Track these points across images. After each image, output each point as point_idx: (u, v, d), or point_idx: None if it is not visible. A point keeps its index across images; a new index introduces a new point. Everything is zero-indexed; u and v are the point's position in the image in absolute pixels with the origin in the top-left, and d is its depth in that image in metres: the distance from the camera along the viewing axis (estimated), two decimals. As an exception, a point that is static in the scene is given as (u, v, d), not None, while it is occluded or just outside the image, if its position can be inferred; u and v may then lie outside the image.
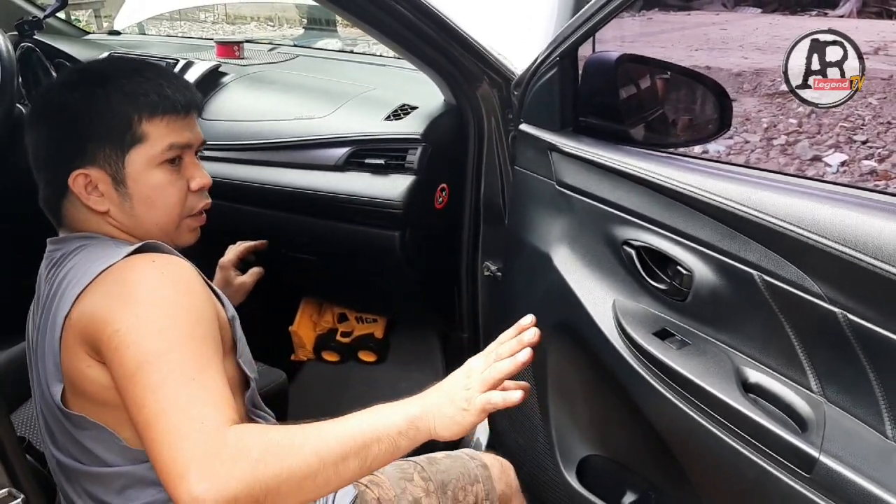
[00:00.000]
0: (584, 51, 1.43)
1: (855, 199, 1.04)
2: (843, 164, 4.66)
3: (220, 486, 0.84)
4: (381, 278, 1.80)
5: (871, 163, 4.65)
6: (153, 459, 0.90)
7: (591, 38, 1.42)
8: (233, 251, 1.57)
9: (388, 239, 1.62)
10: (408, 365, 2.03)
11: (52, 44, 2.06)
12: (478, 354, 0.97)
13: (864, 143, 4.93)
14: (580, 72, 1.45)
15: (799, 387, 1.10)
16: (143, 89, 1.08)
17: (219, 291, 1.12)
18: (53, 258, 1.10)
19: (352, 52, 2.55)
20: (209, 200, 1.18)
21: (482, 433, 1.79)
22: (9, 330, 1.57)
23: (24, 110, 1.91)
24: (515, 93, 1.53)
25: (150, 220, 1.11)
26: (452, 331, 1.85)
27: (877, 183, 4.41)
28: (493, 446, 1.73)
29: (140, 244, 1.04)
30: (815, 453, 1.00)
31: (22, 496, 0.89)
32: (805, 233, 1.03)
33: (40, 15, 2.14)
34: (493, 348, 0.96)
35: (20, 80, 1.93)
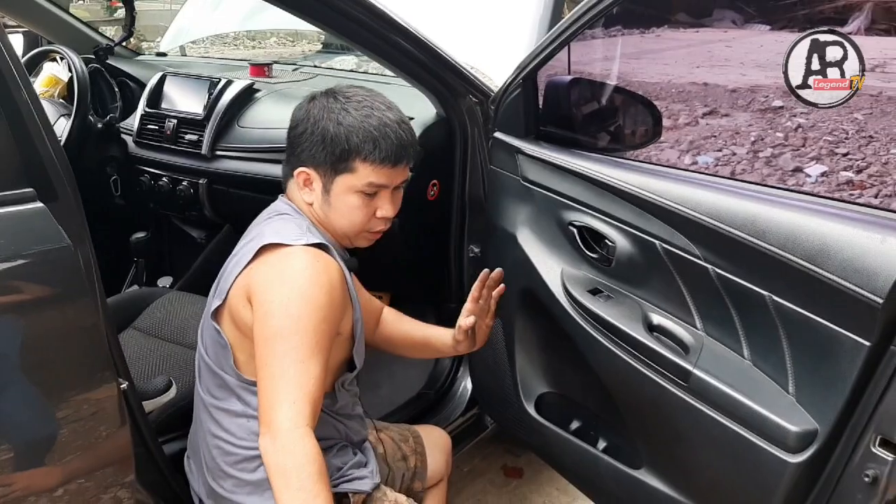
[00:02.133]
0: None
1: (722, 186, 1.42)
2: (822, 174, 4.98)
3: (266, 446, 1.22)
4: (385, 257, 2.18)
5: (849, 174, 4.96)
6: (259, 396, 1.26)
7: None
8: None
9: (387, 223, 2.00)
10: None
11: (116, 65, 2.48)
12: None
13: (844, 155, 5.25)
14: (542, 90, 1.83)
15: (688, 325, 1.48)
16: (369, 136, 1.34)
17: (355, 295, 1.40)
18: (268, 211, 1.44)
19: (365, 72, 2.90)
20: (388, 226, 1.45)
21: (467, 379, 2.17)
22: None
23: (93, 120, 2.32)
24: (492, 107, 1.91)
25: (337, 225, 1.41)
26: (444, 302, 2.22)
27: (851, 193, 4.73)
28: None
29: (317, 241, 1.33)
30: (690, 368, 1.38)
31: (127, 382, 1.28)
32: (688, 211, 1.41)
33: (103, 41, 2.56)
34: None
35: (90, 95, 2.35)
